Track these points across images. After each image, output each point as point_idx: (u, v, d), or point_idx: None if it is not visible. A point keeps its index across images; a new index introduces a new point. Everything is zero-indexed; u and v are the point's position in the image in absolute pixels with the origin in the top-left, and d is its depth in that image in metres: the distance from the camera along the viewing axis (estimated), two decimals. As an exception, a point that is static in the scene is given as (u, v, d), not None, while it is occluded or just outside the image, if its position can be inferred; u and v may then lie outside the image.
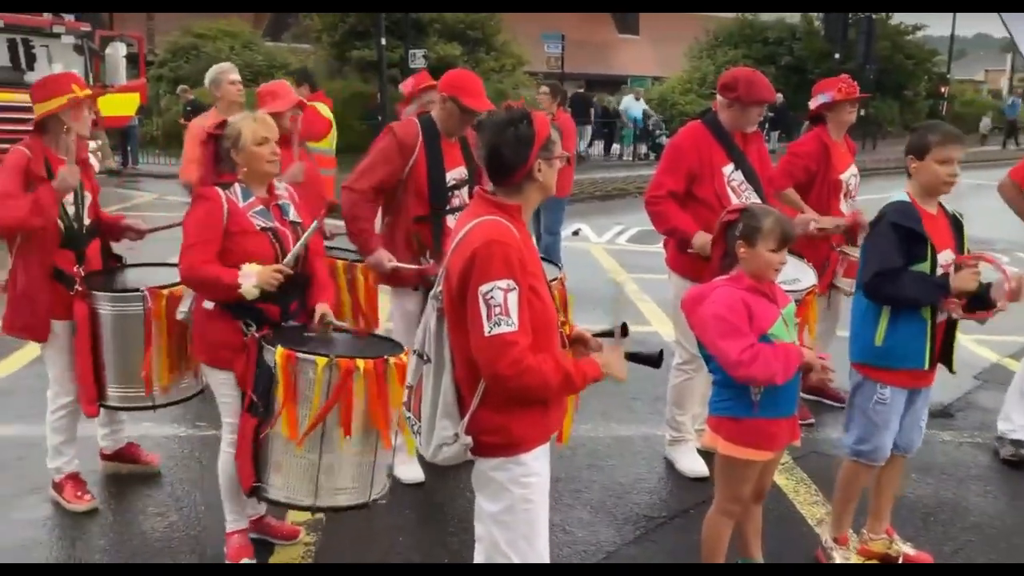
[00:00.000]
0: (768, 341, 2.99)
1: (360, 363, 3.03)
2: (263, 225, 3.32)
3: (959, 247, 3.43)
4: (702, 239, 3.98)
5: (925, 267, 3.31)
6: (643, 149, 23.59)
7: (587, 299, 8.00)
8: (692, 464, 4.49)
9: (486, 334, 2.37)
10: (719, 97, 4.31)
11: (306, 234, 3.36)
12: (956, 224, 3.49)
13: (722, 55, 30.89)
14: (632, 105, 23.81)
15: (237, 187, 3.33)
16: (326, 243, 4.71)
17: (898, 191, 3.48)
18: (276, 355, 3.05)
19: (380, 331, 4.42)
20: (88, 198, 3.95)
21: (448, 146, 4.09)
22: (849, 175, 5.21)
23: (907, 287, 3.28)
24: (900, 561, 3.66)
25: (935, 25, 35.68)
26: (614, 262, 10.20)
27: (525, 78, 25.20)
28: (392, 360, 3.10)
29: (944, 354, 3.46)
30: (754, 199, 4.19)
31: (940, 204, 3.48)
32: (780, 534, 3.85)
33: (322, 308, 3.39)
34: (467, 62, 22.54)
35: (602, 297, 8.31)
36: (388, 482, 3.32)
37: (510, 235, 2.45)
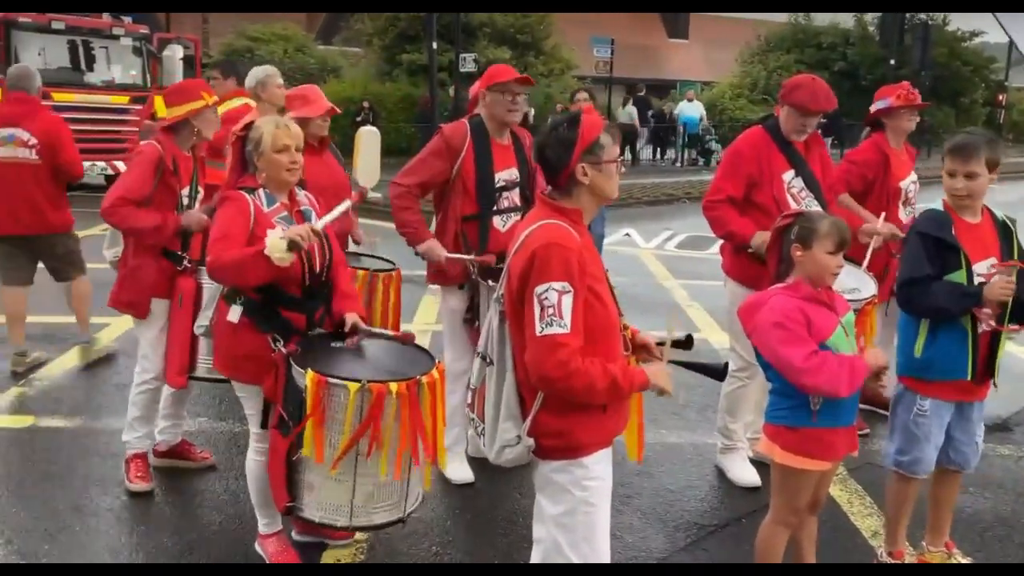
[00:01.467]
0: (827, 350, 2.96)
1: (393, 387, 2.95)
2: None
3: (1007, 255, 3.34)
4: (761, 238, 3.96)
5: (960, 276, 3.24)
6: (693, 154, 23.42)
7: (635, 304, 7.97)
8: (744, 473, 4.45)
9: (537, 333, 2.40)
10: (781, 103, 4.29)
11: (338, 209, 3.35)
12: (1005, 230, 3.40)
13: (774, 60, 30.57)
14: (686, 108, 23.61)
15: (261, 192, 3.31)
16: (351, 254, 4.77)
17: (937, 200, 3.43)
18: (307, 379, 2.96)
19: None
20: (201, 193, 4.20)
21: (499, 148, 4.13)
22: (909, 182, 5.13)
23: (936, 296, 3.23)
24: (958, 575, 3.60)
25: (993, 32, 34.89)
26: (663, 267, 10.15)
27: (574, 82, 25.17)
28: (424, 380, 3.03)
29: (987, 365, 3.37)
30: (815, 206, 4.14)
31: (988, 210, 3.40)
32: (834, 545, 3.80)
33: (352, 318, 3.33)
34: (516, 66, 22.57)
35: (650, 302, 8.26)
36: (422, 491, 3.28)
37: (570, 238, 2.46)
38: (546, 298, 2.39)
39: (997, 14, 16.07)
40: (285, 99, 4.74)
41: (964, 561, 3.65)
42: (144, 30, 15.46)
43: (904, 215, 5.05)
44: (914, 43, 24.36)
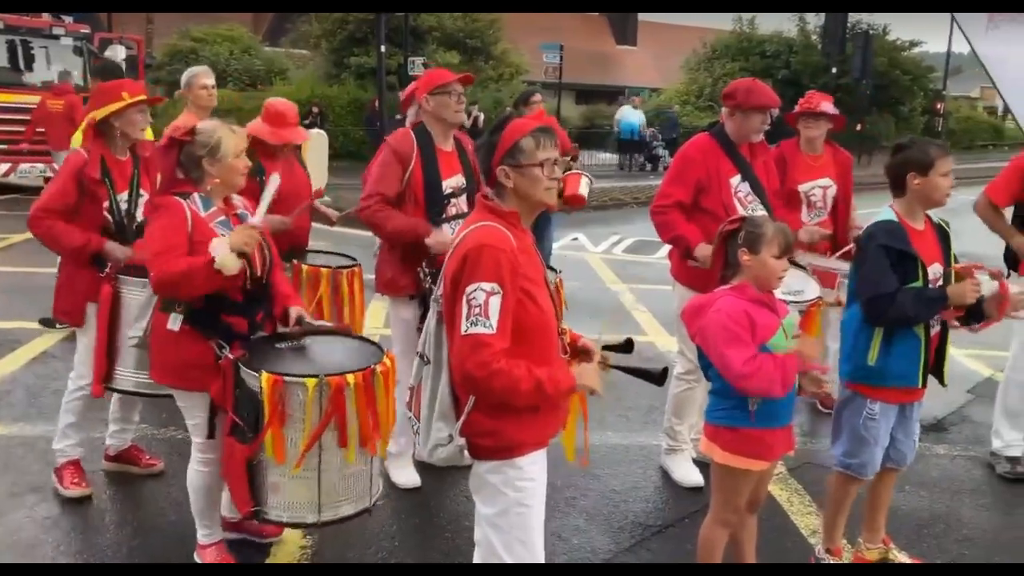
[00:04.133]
0: (768, 351, 3.02)
1: (351, 379, 2.97)
2: (226, 234, 3.23)
3: (946, 258, 3.46)
4: (704, 251, 4.01)
5: (918, 285, 3.33)
6: (640, 159, 23.65)
7: (583, 308, 8.02)
8: (688, 473, 4.51)
9: (462, 332, 2.42)
10: (724, 108, 4.36)
11: (269, 187, 3.32)
12: (943, 234, 3.52)
13: (719, 67, 31.01)
14: (628, 114, 23.88)
15: (196, 196, 3.25)
16: (311, 252, 4.74)
17: (884, 208, 3.50)
18: (262, 381, 2.94)
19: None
20: (144, 196, 4.04)
21: (444, 155, 4.12)
22: (813, 186, 5.28)
23: (907, 307, 3.29)
24: (895, 570, 3.69)
25: (932, 41, 35.94)
26: (610, 271, 10.23)
27: (523, 87, 25.25)
28: (379, 369, 3.05)
29: (936, 368, 3.48)
30: (760, 211, 4.22)
31: (927, 215, 3.51)
32: (774, 544, 3.87)
33: (296, 311, 3.35)
34: (467, 70, 22.55)
35: (598, 306, 8.33)
36: (381, 480, 3.30)
37: (503, 240, 2.48)
38: (474, 298, 2.41)
39: (956, 14, 16.34)
40: (263, 110, 4.62)
41: (901, 556, 3.74)
42: (85, 30, 15.16)
43: (808, 218, 5.22)
44: (855, 52, 24.91)
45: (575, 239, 12.31)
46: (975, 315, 3.40)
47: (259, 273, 3.31)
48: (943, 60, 35.52)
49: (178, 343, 3.24)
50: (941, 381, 3.54)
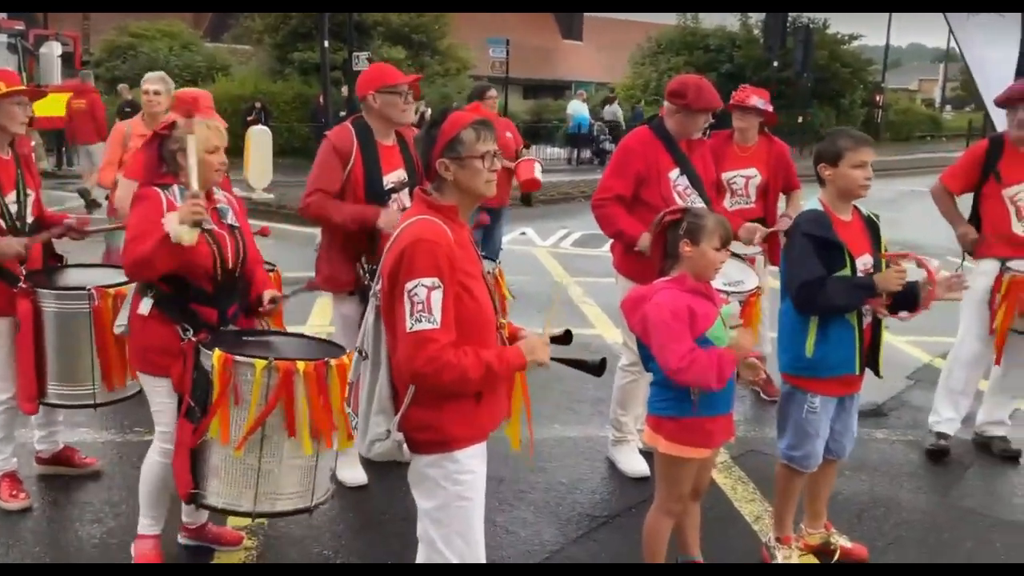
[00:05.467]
0: (708, 342, 3.05)
1: (300, 365, 2.99)
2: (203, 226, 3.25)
3: (876, 249, 3.51)
4: (647, 240, 4.04)
5: (845, 274, 3.38)
6: (587, 154, 23.78)
7: (531, 302, 8.04)
8: (634, 464, 4.54)
9: (407, 330, 2.41)
10: (666, 103, 4.40)
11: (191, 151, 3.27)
12: (872, 226, 3.58)
13: (664, 62, 31.30)
14: (579, 108, 24.02)
15: (175, 188, 3.27)
16: None
17: (812, 199, 3.56)
18: (213, 358, 2.99)
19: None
20: (31, 195, 3.90)
21: (386, 149, 4.09)
22: (734, 176, 5.45)
23: (835, 295, 3.35)
24: (837, 553, 3.76)
25: (871, 35, 36.68)
26: (558, 265, 10.27)
27: (470, 82, 25.21)
28: (333, 362, 3.07)
29: (871, 357, 3.55)
30: (699, 204, 4.26)
31: (856, 208, 3.56)
32: (719, 531, 3.92)
33: (270, 293, 3.40)
34: (412, 65, 22.48)
35: (546, 300, 8.35)
36: (332, 486, 3.28)
37: (441, 234, 2.47)
38: (416, 294, 2.40)
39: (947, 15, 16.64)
40: (174, 99, 4.55)
41: (842, 540, 3.81)
42: (20, 26, 14.78)
43: (729, 205, 5.35)
44: (796, 46, 25.31)
45: (523, 233, 12.33)
46: (905, 303, 3.47)
47: (230, 265, 3.31)
48: (882, 53, 36.27)
49: (146, 327, 3.26)
50: (876, 371, 3.60)
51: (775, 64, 24.79)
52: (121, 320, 3.44)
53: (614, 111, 23.62)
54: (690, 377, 3.00)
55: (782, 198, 5.70)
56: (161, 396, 3.31)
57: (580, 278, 9.40)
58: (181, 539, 3.66)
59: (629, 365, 4.53)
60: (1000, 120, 5.58)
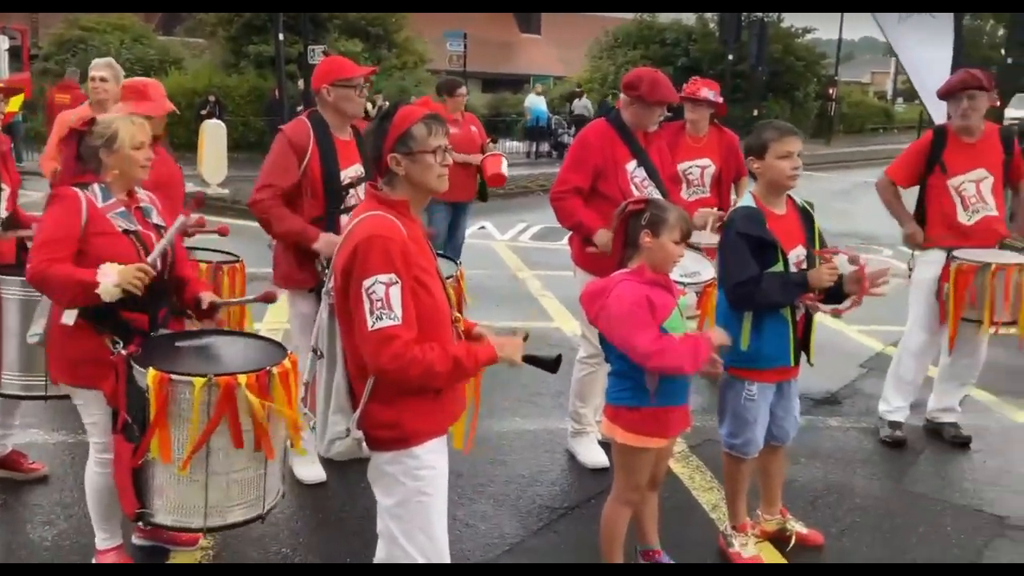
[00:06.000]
0: (665, 332, 3.07)
1: (242, 379, 2.84)
2: (125, 227, 3.12)
3: (810, 240, 3.56)
4: (604, 237, 4.05)
5: (778, 268, 3.42)
6: (545, 147, 23.81)
7: (490, 296, 8.06)
8: (593, 455, 4.57)
9: (369, 328, 2.39)
10: (622, 96, 4.42)
11: (171, 230, 3.20)
12: (807, 216, 3.62)
13: (622, 56, 31.43)
14: (536, 102, 24.03)
15: (96, 187, 3.13)
16: (188, 244, 4.61)
17: (746, 193, 3.61)
18: (148, 378, 2.81)
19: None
20: (6, 191, 3.82)
21: (342, 144, 4.05)
22: (689, 166, 5.55)
23: (769, 293, 3.39)
24: (792, 539, 3.81)
25: (824, 28, 37.14)
26: (517, 259, 10.28)
27: (427, 76, 25.11)
28: (275, 371, 2.92)
29: (804, 347, 3.60)
30: (656, 195, 4.29)
31: (790, 198, 3.60)
32: (677, 520, 3.96)
33: (208, 296, 3.25)
34: (369, 59, 22.31)
35: (505, 293, 8.36)
36: (282, 487, 3.21)
37: (394, 230, 2.45)
38: (373, 292, 2.38)
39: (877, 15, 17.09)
40: (121, 90, 4.47)
41: (797, 526, 3.87)
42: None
43: (686, 195, 5.45)
44: (751, 39, 25.55)
45: (482, 227, 12.31)
46: (838, 296, 3.52)
47: (159, 267, 3.17)
48: (835, 47, 36.73)
49: (72, 338, 3.10)
50: (808, 359, 3.65)
51: (730, 58, 25.03)
52: (35, 329, 3.27)
53: (584, 104, 23.66)
54: (666, 360, 3.00)
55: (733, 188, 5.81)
56: (93, 408, 3.20)
57: (539, 271, 9.42)
58: (135, 539, 3.59)
59: (587, 357, 4.55)
60: (938, 114, 5.68)
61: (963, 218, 4.81)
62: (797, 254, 3.47)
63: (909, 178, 5.01)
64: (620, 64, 30.35)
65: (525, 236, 12.15)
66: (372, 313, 2.38)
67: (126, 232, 3.12)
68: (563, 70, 37.51)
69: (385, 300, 2.38)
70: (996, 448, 5.05)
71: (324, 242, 3.87)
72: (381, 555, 2.68)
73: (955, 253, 4.77)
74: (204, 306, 3.23)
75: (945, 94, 4.91)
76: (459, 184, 7.53)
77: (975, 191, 4.80)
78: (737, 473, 3.70)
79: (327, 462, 4.24)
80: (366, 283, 2.39)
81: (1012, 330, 4.77)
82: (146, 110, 4.24)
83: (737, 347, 3.49)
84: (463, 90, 7.88)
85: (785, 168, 3.43)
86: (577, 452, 4.66)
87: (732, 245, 3.45)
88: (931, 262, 4.88)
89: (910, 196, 5.09)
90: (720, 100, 5.62)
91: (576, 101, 24.42)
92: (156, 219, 3.28)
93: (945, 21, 15.56)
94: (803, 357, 3.63)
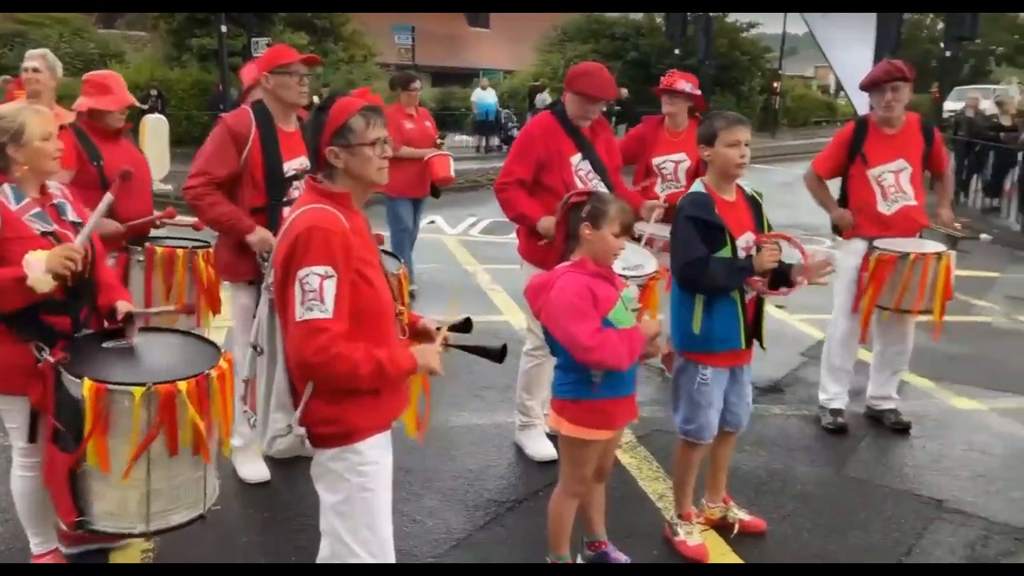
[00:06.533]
0: (609, 324, 3.08)
1: (182, 386, 2.78)
2: (43, 229, 3.00)
3: (758, 227, 3.62)
4: (547, 222, 4.09)
5: (726, 252, 3.48)
6: (495, 141, 23.79)
7: (439, 290, 8.04)
8: (540, 447, 4.58)
9: (297, 319, 2.36)
10: (565, 88, 4.43)
11: (98, 210, 3.10)
12: (755, 204, 3.68)
13: (571, 50, 31.49)
14: (483, 96, 24.00)
15: (6, 188, 2.99)
16: (159, 232, 4.53)
17: (697, 181, 3.66)
18: (84, 389, 2.72)
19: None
20: None
21: (286, 135, 3.99)
22: (664, 161, 5.56)
23: (716, 275, 3.45)
24: (736, 527, 3.87)
25: (768, 23, 37.57)
26: (467, 253, 10.26)
27: (376, 69, 24.91)
28: (214, 373, 2.88)
29: (755, 331, 3.66)
30: (602, 188, 4.31)
31: (740, 187, 3.67)
32: (624, 511, 3.99)
33: (124, 306, 3.13)
34: (315, 52, 22.03)
35: (454, 287, 8.34)
36: (217, 484, 3.14)
37: (334, 222, 2.43)
38: (307, 282, 2.35)
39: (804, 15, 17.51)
40: (82, 83, 4.34)
41: (741, 514, 3.92)
42: None
43: (661, 189, 5.48)
44: (697, 34, 25.76)
45: (432, 222, 12.26)
46: (783, 281, 3.58)
47: (79, 266, 3.04)
48: (779, 41, 37.25)
49: None
50: (761, 343, 3.71)
51: (677, 52, 25.21)
52: None
53: (543, 99, 23.65)
54: (599, 356, 3.02)
55: None
56: (17, 415, 3.09)
57: (488, 265, 9.42)
58: (63, 548, 3.44)
59: (534, 349, 4.56)
60: (863, 108, 5.78)
61: (883, 208, 4.91)
62: (746, 240, 3.53)
63: (832, 169, 5.10)
64: (569, 58, 30.36)
65: (475, 230, 12.14)
66: (303, 303, 2.35)
67: (44, 234, 3.00)
68: (512, 64, 37.44)
69: (318, 292, 2.35)
70: (934, 433, 5.17)
71: (258, 238, 3.84)
72: (325, 553, 2.66)
73: (875, 243, 4.87)
74: (119, 316, 3.10)
75: (868, 86, 4.98)
76: (419, 180, 7.54)
77: (894, 181, 4.90)
78: (689, 459, 3.74)
79: (272, 460, 4.19)
80: (301, 273, 2.36)
81: (929, 317, 4.89)
82: (106, 104, 4.16)
83: (689, 330, 3.54)
84: (417, 84, 7.83)
85: (733, 156, 3.49)
86: (525, 445, 4.66)
87: (681, 228, 3.52)
88: (853, 252, 4.99)
89: (836, 188, 5.17)
90: (698, 93, 5.59)
91: (538, 96, 24.43)
92: (72, 216, 3.15)
93: (868, 18, 15.95)
94: (756, 344, 3.69)
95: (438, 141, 7.99)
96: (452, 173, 7.42)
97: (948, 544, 3.90)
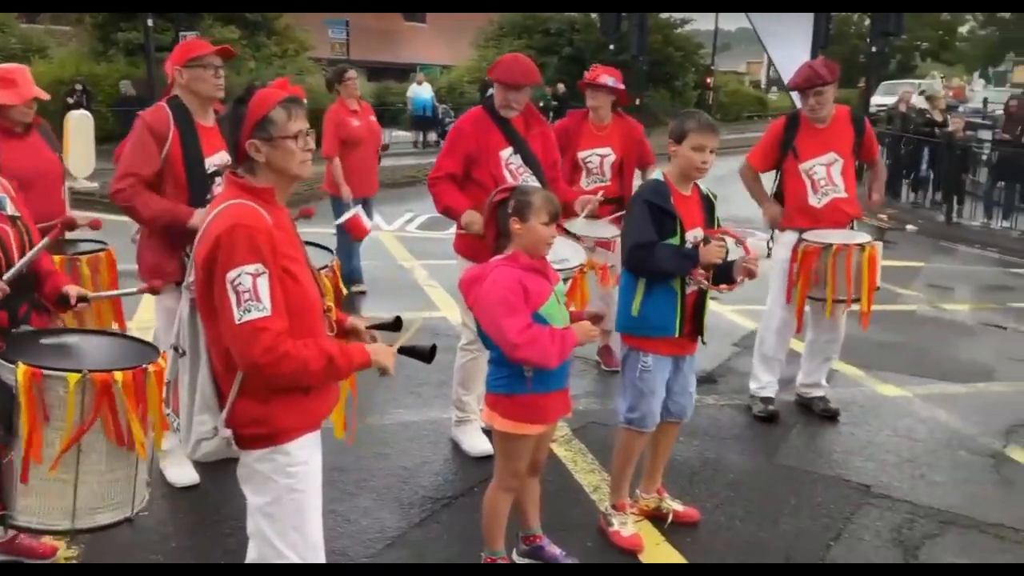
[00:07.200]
0: (541, 318, 3.08)
1: (119, 376, 2.72)
2: None
3: (709, 225, 3.68)
4: (469, 217, 4.09)
5: (675, 241, 3.53)
6: (433, 137, 23.69)
7: (377, 286, 7.96)
8: (476, 443, 4.56)
9: (237, 322, 2.29)
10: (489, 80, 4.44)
11: (32, 252, 3.03)
12: (708, 204, 3.74)
13: (507, 45, 31.49)
14: (419, 92, 23.89)
15: None
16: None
17: (657, 171, 3.72)
18: (18, 373, 2.65)
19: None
20: None
21: (206, 131, 3.90)
22: (589, 154, 5.60)
23: (661, 259, 3.50)
24: (670, 517, 3.90)
25: (701, 19, 38.12)
26: (403, 249, 10.19)
27: (310, 64, 24.55)
28: (151, 368, 2.81)
29: (696, 324, 3.70)
30: (532, 182, 4.30)
31: (696, 186, 3.71)
32: (560, 504, 4.00)
33: (73, 289, 3.07)
34: (247, 46, 21.68)
35: (391, 284, 8.28)
36: (148, 492, 3.07)
37: (257, 218, 2.37)
38: (240, 283, 2.29)
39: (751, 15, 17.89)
40: None
41: (674, 504, 3.96)
42: None
43: (586, 183, 5.50)
44: (631, 30, 25.98)
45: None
46: (726, 277, 3.63)
47: (17, 260, 2.99)
48: (711, 37, 37.82)
49: None
50: (701, 338, 3.75)
51: (612, 48, 25.40)
52: None
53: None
54: (530, 353, 3.01)
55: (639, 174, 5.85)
56: None
57: (425, 261, 9.37)
58: None
59: (469, 344, 4.54)
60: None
61: (813, 201, 5.01)
62: (695, 234, 3.58)
63: (766, 163, 5.19)
64: (506, 53, 30.45)
65: (411, 226, 12.07)
66: (239, 306, 2.29)
67: None
68: (449, 59, 37.30)
69: (253, 291, 2.29)
70: (862, 420, 5.29)
71: (200, 219, 3.72)
72: (252, 555, 2.60)
73: (803, 235, 4.97)
74: (72, 302, 3.04)
75: (794, 88, 5.12)
76: (365, 177, 7.47)
77: (825, 174, 5.00)
78: (631, 448, 3.77)
79: (201, 463, 4.09)
80: (231, 275, 2.29)
81: (856, 307, 5.00)
82: (9, 98, 4.01)
83: (628, 312, 3.61)
84: (352, 73, 7.66)
85: (695, 160, 3.54)
86: (461, 441, 4.64)
87: (637, 211, 3.58)
88: (786, 243, 5.09)
89: (770, 181, 5.26)
90: (621, 87, 5.61)
91: (490, 90, 24.43)
92: (11, 210, 3.07)
93: (806, 15, 16.43)
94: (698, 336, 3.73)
95: (384, 143, 7.92)
96: (368, 227, 7.24)
97: (875, 528, 3.99)
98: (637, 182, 5.73)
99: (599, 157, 5.63)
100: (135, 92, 18.77)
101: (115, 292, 3.50)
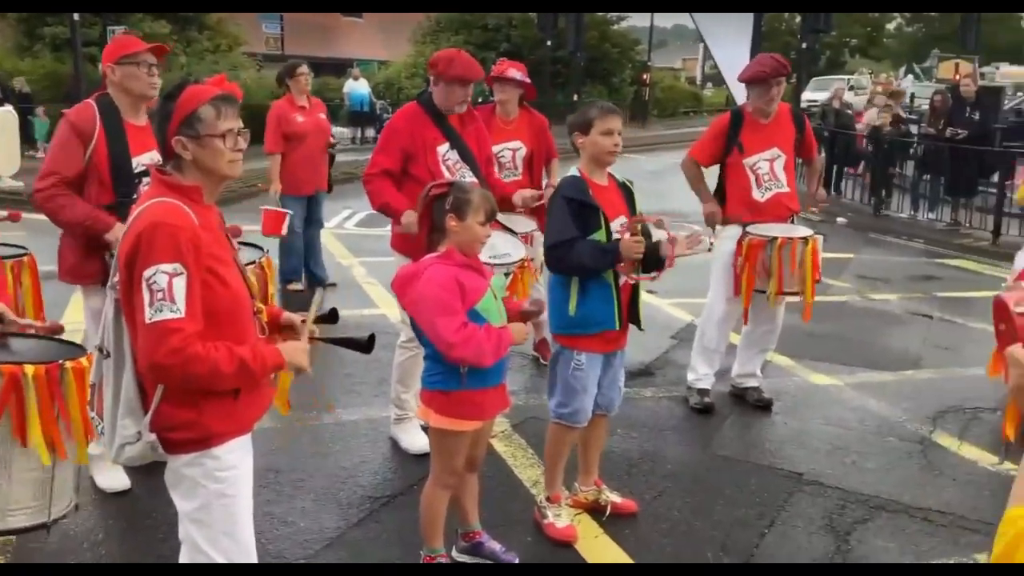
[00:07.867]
0: (478, 315, 3.08)
1: (29, 369, 2.64)
2: None
3: (631, 212, 3.72)
4: (409, 218, 4.05)
5: (601, 235, 3.55)
6: (371, 132, 23.50)
7: (315, 284, 7.86)
8: (415, 441, 4.54)
9: (147, 321, 2.24)
10: (437, 79, 4.39)
11: None
12: (627, 191, 3.78)
13: (445, 40, 31.37)
14: (355, 87, 23.69)
15: None
16: None
17: (572, 168, 3.73)
18: None
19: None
20: None
21: (135, 129, 3.82)
22: (501, 149, 5.60)
23: (582, 256, 3.51)
24: (608, 509, 3.94)
25: (637, 16, 38.48)
26: (342, 246, 10.10)
27: (243, 59, 24.15)
28: (68, 364, 2.74)
29: (631, 314, 3.74)
30: (470, 178, 4.29)
31: (611, 175, 3.75)
32: (499, 499, 4.01)
33: None
34: (179, 41, 21.24)
35: (332, 281, 8.19)
36: (74, 497, 2.97)
37: (182, 216, 2.31)
38: (155, 282, 2.23)
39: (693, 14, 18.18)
40: None
41: (613, 496, 3.99)
42: None
43: (503, 178, 5.48)
44: (568, 26, 26.11)
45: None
46: (655, 264, 3.67)
47: None
48: (647, 34, 38.18)
49: None
50: (639, 326, 3.80)
51: (549, 44, 25.50)
52: None
53: None
54: (465, 352, 3.01)
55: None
56: None
57: (363, 258, 9.31)
58: None
59: (407, 341, 4.52)
60: (742, 98, 5.96)
61: (757, 195, 5.10)
62: (620, 222, 3.61)
63: (710, 158, 5.26)
64: (443, 49, 30.34)
65: (350, 223, 11.97)
66: (151, 305, 2.23)
67: None
68: (387, 54, 37.01)
69: (167, 291, 2.23)
70: (794, 409, 5.40)
71: (116, 236, 3.64)
72: (184, 562, 2.55)
73: (748, 228, 5.05)
74: None
75: (752, 80, 5.10)
76: (310, 174, 7.37)
77: (768, 169, 5.10)
78: (562, 442, 3.78)
79: (133, 468, 4.00)
80: (147, 273, 2.24)
81: (798, 298, 5.10)
82: None
83: (565, 312, 3.60)
84: (304, 69, 7.51)
85: (607, 144, 3.58)
86: (400, 439, 4.62)
87: (556, 209, 3.58)
88: (729, 237, 5.16)
89: (712, 176, 5.34)
90: (527, 80, 5.63)
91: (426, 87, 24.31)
92: None
93: (746, 14, 16.86)
94: (631, 326, 3.77)
95: (331, 140, 7.82)
96: (284, 232, 7.15)
97: (807, 515, 4.08)
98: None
99: (511, 151, 5.64)
100: (28, 89, 18.43)
101: (31, 322, 3.31)
